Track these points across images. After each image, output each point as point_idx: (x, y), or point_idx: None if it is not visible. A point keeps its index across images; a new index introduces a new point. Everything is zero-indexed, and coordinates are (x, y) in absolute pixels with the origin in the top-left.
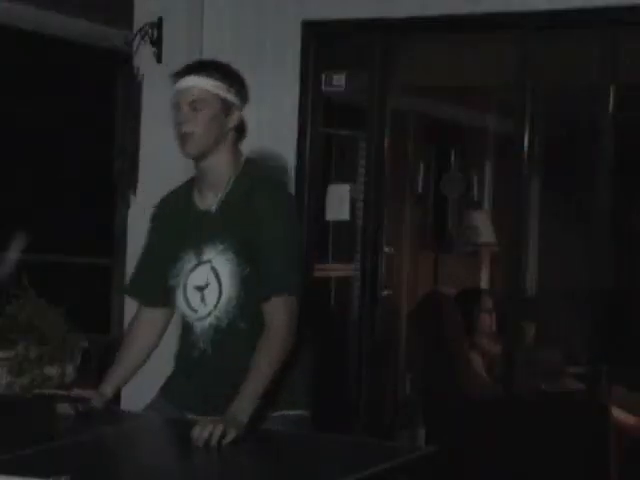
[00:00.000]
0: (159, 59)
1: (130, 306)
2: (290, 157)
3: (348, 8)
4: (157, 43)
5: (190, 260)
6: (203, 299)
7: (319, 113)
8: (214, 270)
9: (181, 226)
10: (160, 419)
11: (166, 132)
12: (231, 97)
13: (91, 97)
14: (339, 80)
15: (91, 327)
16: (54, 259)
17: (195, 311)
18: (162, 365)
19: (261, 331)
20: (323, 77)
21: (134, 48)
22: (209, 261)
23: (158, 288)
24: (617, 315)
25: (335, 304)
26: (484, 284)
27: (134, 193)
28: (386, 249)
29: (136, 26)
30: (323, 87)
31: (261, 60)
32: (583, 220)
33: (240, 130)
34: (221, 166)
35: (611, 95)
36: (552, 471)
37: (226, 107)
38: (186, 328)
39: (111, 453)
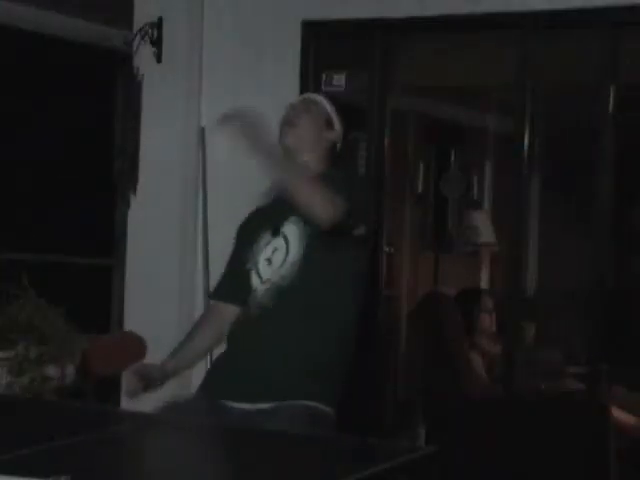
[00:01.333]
0: (159, 59)
1: (130, 306)
2: None
3: (348, 8)
4: (157, 43)
5: (265, 237)
6: (270, 263)
7: None
8: (284, 237)
9: (260, 217)
10: (160, 419)
11: (166, 132)
12: None
13: (91, 97)
14: (339, 80)
15: (91, 327)
16: (54, 259)
17: (261, 277)
18: None
19: (317, 298)
20: (323, 77)
21: (134, 48)
22: (281, 231)
23: (243, 290)
24: (617, 315)
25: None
26: (484, 284)
27: (134, 193)
28: (386, 249)
29: (136, 26)
30: (323, 87)
31: (261, 60)
32: (583, 220)
33: None
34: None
35: (611, 95)
36: (552, 471)
37: None
38: (247, 303)
39: (111, 453)
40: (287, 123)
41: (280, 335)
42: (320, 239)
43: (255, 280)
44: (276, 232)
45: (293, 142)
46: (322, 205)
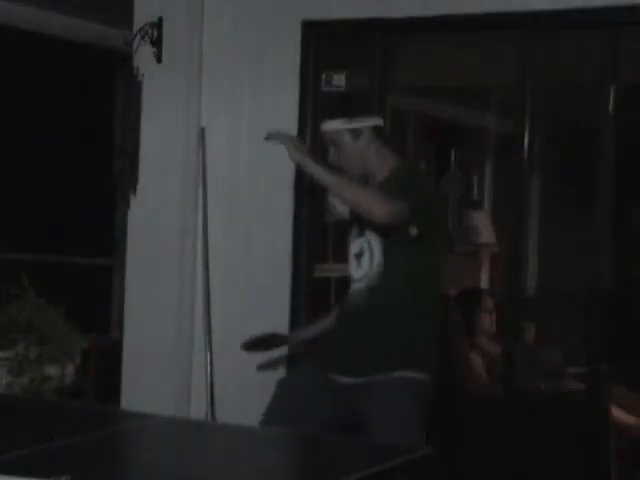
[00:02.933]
0: (159, 59)
1: (130, 306)
2: None
3: (348, 8)
4: (157, 43)
5: (355, 233)
6: (360, 264)
7: (319, 113)
8: (368, 241)
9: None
10: (160, 419)
11: (166, 132)
12: None
13: (91, 97)
14: (339, 80)
15: (91, 327)
16: (54, 259)
17: (352, 275)
18: (162, 365)
19: (402, 291)
20: (323, 77)
21: (134, 48)
22: (365, 233)
23: None
24: (617, 315)
25: (335, 304)
26: (484, 284)
27: (134, 193)
28: None
29: (136, 26)
30: (323, 87)
31: (261, 60)
32: (583, 220)
33: None
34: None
35: (611, 95)
36: (552, 471)
37: None
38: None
39: (111, 453)
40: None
41: (383, 322)
42: (394, 241)
43: (352, 272)
44: (361, 233)
45: (348, 167)
46: (375, 208)
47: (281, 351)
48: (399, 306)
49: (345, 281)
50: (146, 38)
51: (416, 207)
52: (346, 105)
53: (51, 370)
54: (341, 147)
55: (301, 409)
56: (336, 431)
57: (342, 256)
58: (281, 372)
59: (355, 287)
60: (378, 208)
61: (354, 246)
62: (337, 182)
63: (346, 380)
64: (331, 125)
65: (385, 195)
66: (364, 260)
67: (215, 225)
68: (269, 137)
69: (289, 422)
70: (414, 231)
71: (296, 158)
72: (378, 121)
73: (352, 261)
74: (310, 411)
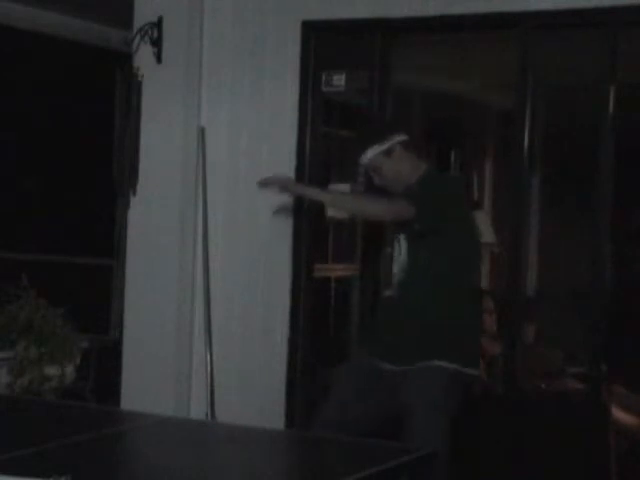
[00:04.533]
0: (159, 59)
1: (130, 306)
2: (290, 157)
3: (348, 8)
4: (157, 43)
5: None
6: (395, 261)
7: (319, 113)
8: (398, 239)
9: None
10: (160, 419)
11: (166, 132)
12: None
13: (91, 97)
14: (339, 80)
15: (91, 327)
16: (54, 259)
17: (393, 270)
18: (162, 365)
19: (425, 288)
20: (323, 77)
21: (134, 48)
22: (396, 233)
23: None
24: (617, 315)
25: (335, 304)
26: (484, 284)
27: (134, 193)
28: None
29: (136, 26)
30: (323, 87)
31: (261, 60)
32: (583, 220)
33: None
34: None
35: (611, 95)
36: (552, 471)
37: None
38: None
39: (111, 453)
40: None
41: (412, 313)
42: (414, 240)
43: (393, 267)
44: (394, 232)
45: (390, 186)
46: (376, 210)
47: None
48: (423, 301)
49: (345, 281)
50: (146, 38)
51: (421, 205)
52: (375, 130)
53: (51, 370)
54: (381, 170)
55: (359, 395)
56: (385, 416)
57: (342, 256)
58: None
59: (394, 281)
60: (379, 209)
61: (392, 244)
62: (337, 197)
63: (388, 367)
64: (367, 155)
65: (386, 197)
66: (397, 257)
67: (215, 225)
68: (263, 184)
69: (346, 408)
70: (416, 227)
71: (297, 192)
72: (403, 136)
73: (395, 258)
74: (368, 397)
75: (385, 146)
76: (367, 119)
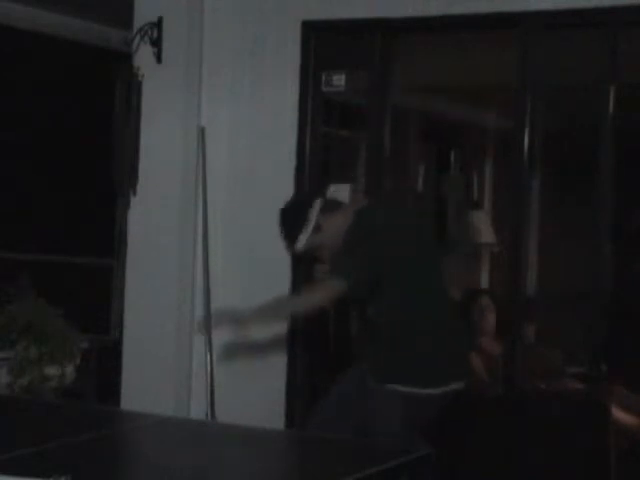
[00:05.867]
0: (159, 59)
1: (130, 306)
2: (290, 157)
3: (348, 8)
4: (157, 43)
5: None
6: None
7: (319, 113)
8: None
9: None
10: (160, 419)
11: (166, 132)
12: None
13: (91, 97)
14: (339, 80)
15: (91, 327)
16: (55, 259)
17: None
18: (162, 365)
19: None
20: (323, 77)
21: (134, 48)
22: None
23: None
24: (617, 315)
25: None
26: (484, 284)
27: (134, 193)
28: None
29: (136, 26)
30: (323, 87)
31: (261, 60)
32: (583, 220)
33: None
34: None
35: (611, 95)
36: (552, 471)
37: None
38: None
39: (111, 453)
40: None
41: (375, 334)
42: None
43: None
44: None
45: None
46: (315, 302)
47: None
48: (393, 328)
49: None
50: (146, 38)
51: (349, 277)
52: (294, 214)
53: (51, 370)
54: (321, 245)
55: (340, 411)
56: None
57: None
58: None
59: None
60: (315, 302)
61: None
62: (276, 310)
63: (368, 385)
64: (299, 244)
65: (319, 282)
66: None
67: (215, 225)
68: (202, 331)
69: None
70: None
71: (242, 330)
72: (322, 201)
73: None
74: (346, 414)
75: (311, 225)
76: (282, 212)
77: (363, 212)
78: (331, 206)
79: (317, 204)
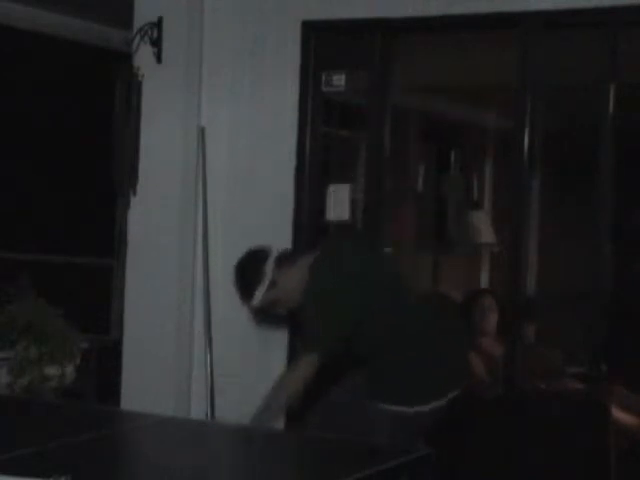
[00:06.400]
0: (159, 59)
1: (130, 306)
2: (290, 157)
3: (348, 8)
4: (157, 43)
5: None
6: None
7: (319, 113)
8: None
9: None
10: (160, 419)
11: (166, 132)
12: None
13: (91, 97)
14: (339, 80)
15: (91, 327)
16: (55, 259)
17: None
18: (162, 365)
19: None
20: (323, 77)
21: (134, 48)
22: None
23: None
24: (617, 315)
25: None
26: (484, 284)
27: (134, 193)
28: (386, 249)
29: (136, 26)
30: (323, 87)
31: (261, 60)
32: (583, 220)
33: None
34: None
35: (611, 95)
36: (552, 471)
37: None
38: None
39: (111, 453)
40: None
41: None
42: None
43: None
44: None
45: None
46: (301, 378)
47: None
48: (375, 357)
49: None
50: (146, 38)
51: (324, 343)
52: (250, 271)
53: (51, 370)
54: (277, 301)
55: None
56: None
57: None
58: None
59: None
60: (298, 381)
61: None
62: (268, 409)
63: (360, 398)
64: (255, 300)
65: (295, 364)
66: None
67: (215, 225)
68: None
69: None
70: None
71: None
72: (275, 258)
73: None
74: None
75: (266, 280)
76: (237, 267)
77: (315, 269)
78: (286, 260)
79: (272, 258)
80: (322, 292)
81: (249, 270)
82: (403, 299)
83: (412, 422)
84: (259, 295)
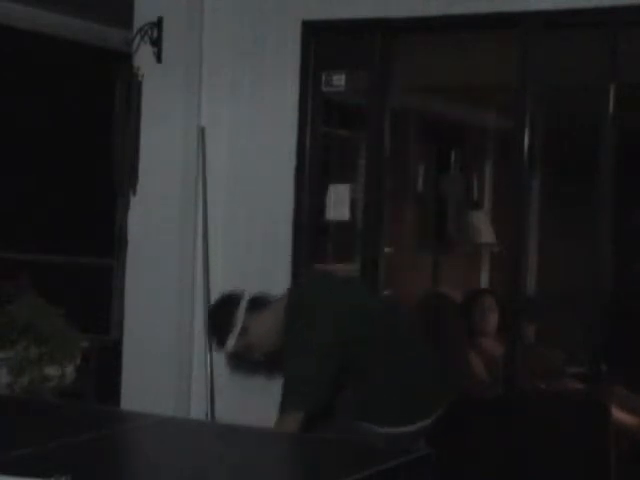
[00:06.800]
0: (159, 59)
1: (130, 306)
2: (290, 157)
3: (348, 8)
4: (157, 43)
5: None
6: None
7: (319, 113)
8: None
9: None
10: (160, 419)
11: (166, 132)
12: None
13: (91, 97)
14: (339, 80)
15: (91, 327)
16: (55, 259)
17: None
18: (162, 365)
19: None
20: (323, 77)
21: (134, 48)
22: None
23: None
24: (617, 315)
25: None
26: (484, 284)
27: (134, 193)
28: (386, 249)
29: (136, 26)
30: (323, 87)
31: (261, 60)
32: (583, 220)
33: None
34: None
35: (611, 95)
36: (552, 471)
37: None
38: None
39: (111, 453)
40: None
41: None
42: None
43: None
44: None
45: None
46: (293, 422)
47: None
48: (358, 386)
49: None
50: (146, 38)
51: (309, 395)
52: (220, 317)
53: (51, 370)
54: (251, 346)
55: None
56: None
57: (342, 256)
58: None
59: None
60: (292, 421)
61: None
62: None
63: (347, 418)
64: (229, 346)
65: (280, 420)
66: None
67: (215, 225)
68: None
69: None
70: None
71: None
72: (247, 301)
73: None
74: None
75: (238, 326)
76: (209, 312)
77: (291, 309)
78: (258, 305)
79: (243, 303)
80: (301, 330)
81: (221, 316)
82: (380, 325)
83: (398, 441)
84: (231, 341)
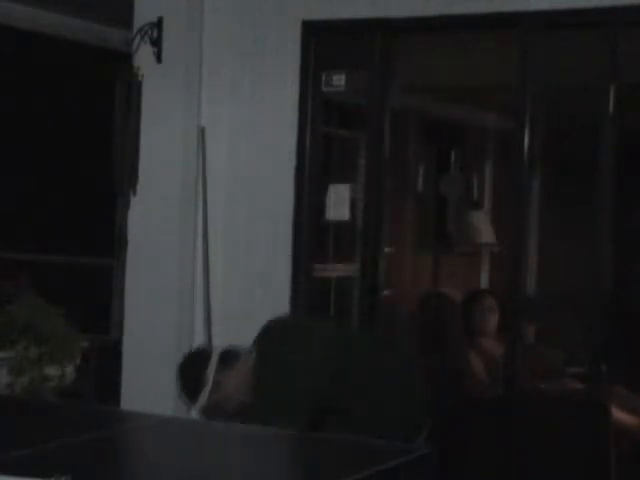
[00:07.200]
0: (159, 59)
1: (130, 306)
2: (290, 157)
3: (348, 8)
4: (157, 43)
5: None
6: None
7: (319, 113)
8: None
9: None
10: (160, 419)
11: (166, 132)
12: None
13: (91, 97)
14: (339, 80)
15: (91, 327)
16: (55, 259)
17: None
18: (162, 365)
19: None
20: (323, 77)
21: (134, 48)
22: None
23: None
24: (617, 315)
25: (335, 304)
26: (484, 284)
27: (134, 193)
28: (386, 249)
29: (136, 26)
30: (323, 87)
31: (261, 60)
32: (583, 220)
33: None
34: None
35: (611, 95)
36: (552, 471)
37: None
38: None
39: (111, 453)
40: None
41: None
42: None
43: None
44: None
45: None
46: None
47: None
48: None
49: (344, 281)
50: (146, 38)
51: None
52: (192, 376)
53: (51, 370)
54: (224, 402)
55: None
56: None
57: (342, 256)
58: None
59: None
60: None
61: None
62: None
63: None
64: (200, 403)
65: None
66: None
67: (215, 225)
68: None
69: None
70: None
71: None
72: (217, 361)
73: None
74: None
75: (209, 382)
76: (179, 368)
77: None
78: (229, 359)
79: (214, 358)
80: (276, 373)
81: (191, 372)
82: (348, 362)
83: None
84: (204, 397)
